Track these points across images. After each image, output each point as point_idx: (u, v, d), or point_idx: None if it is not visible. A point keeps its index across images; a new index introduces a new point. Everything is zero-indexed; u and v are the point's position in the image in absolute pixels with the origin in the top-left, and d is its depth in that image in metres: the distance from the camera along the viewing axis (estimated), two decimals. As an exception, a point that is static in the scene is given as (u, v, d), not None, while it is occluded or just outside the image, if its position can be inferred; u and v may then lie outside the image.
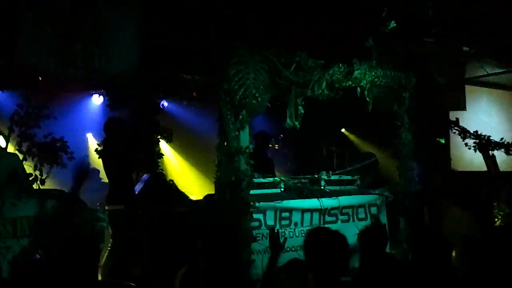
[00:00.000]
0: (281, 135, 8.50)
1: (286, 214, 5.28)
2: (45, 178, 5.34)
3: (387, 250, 5.63)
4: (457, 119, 6.97)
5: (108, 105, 6.67)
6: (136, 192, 5.74)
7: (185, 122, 9.06)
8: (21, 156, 5.14)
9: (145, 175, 6.17)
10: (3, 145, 5.11)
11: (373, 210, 5.84)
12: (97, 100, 8.20)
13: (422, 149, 6.22)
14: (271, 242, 3.42)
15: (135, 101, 6.61)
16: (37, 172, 5.39)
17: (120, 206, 5.24)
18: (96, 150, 5.94)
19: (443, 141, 8.51)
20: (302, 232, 5.31)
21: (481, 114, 8.92)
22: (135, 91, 6.46)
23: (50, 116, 5.44)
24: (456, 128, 6.84)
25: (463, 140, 6.82)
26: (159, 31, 7.19)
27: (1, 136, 5.09)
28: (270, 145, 7.97)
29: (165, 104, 8.43)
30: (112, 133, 5.58)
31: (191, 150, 9.50)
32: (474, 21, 7.45)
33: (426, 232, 2.83)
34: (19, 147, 5.33)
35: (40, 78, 5.04)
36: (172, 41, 7.27)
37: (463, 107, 8.06)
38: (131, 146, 5.72)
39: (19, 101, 5.34)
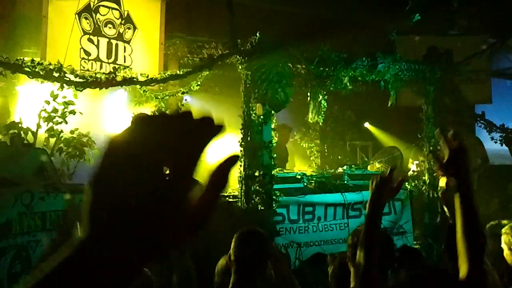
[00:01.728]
0: (304, 129, 8.47)
1: (309, 209, 5.29)
2: (72, 173, 5.45)
3: (411, 244, 5.64)
4: (483, 112, 6.87)
5: (133, 100, 6.74)
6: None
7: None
8: (48, 151, 5.24)
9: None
10: (31, 141, 5.22)
11: (397, 204, 5.80)
12: (122, 95, 8.27)
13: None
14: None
15: (158, 96, 6.67)
16: (65, 167, 5.50)
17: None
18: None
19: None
20: (326, 226, 5.31)
21: (508, 107, 8.78)
22: (158, 86, 6.52)
23: (76, 112, 5.52)
24: (481, 121, 6.74)
25: (489, 134, 6.73)
26: (181, 26, 7.25)
27: (29, 132, 5.19)
28: (291, 139, 7.97)
29: (188, 99, 8.47)
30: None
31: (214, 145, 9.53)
32: (500, 13, 7.32)
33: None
34: (46, 143, 5.43)
35: (66, 74, 5.13)
36: (195, 36, 7.32)
37: (489, 100, 7.95)
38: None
39: (46, 98, 5.43)
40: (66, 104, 5.42)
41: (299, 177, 5.45)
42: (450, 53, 6.01)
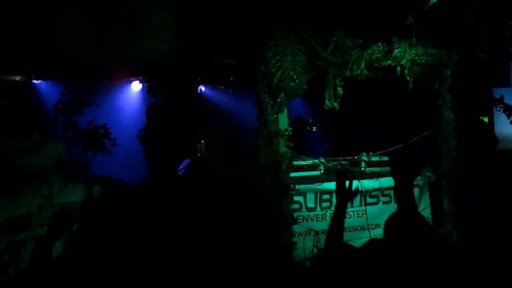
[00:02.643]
0: (319, 117, 8.44)
1: (326, 196, 5.26)
2: (90, 164, 5.51)
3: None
4: (502, 96, 6.77)
5: (147, 91, 6.76)
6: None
7: (223, 106, 9.10)
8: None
9: (186, 159, 6.25)
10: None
11: (416, 191, 5.75)
12: (136, 86, 8.31)
13: (465, 127, 6.07)
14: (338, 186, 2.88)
15: (173, 86, 6.68)
16: (82, 159, 5.57)
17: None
18: (137, 135, 6.05)
19: (486, 120, 8.29)
20: (343, 213, 5.28)
21: (527, 90, 8.62)
22: (173, 77, 6.53)
23: (92, 104, 5.57)
24: (500, 105, 6.65)
25: (508, 118, 6.64)
26: (195, 17, 7.23)
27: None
28: (309, 128, 7.94)
29: (203, 89, 8.49)
30: (154, 119, 5.67)
31: (229, 135, 9.54)
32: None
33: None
34: (64, 135, 5.49)
35: (82, 67, 5.16)
36: (209, 25, 7.30)
37: (507, 84, 7.81)
38: (171, 131, 5.81)
39: (62, 90, 5.47)
40: (82, 96, 5.46)
41: (316, 164, 5.43)
42: (467, 36, 5.91)
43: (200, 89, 8.13)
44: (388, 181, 5.58)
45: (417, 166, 2.44)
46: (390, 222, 2.55)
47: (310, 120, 8.52)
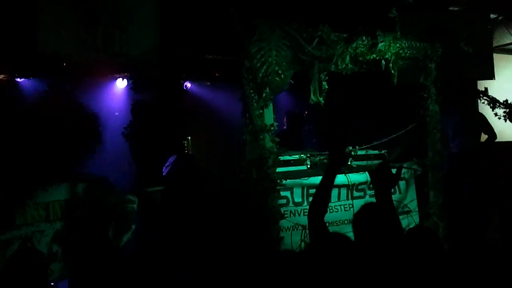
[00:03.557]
0: (306, 112, 8.42)
1: (313, 191, 5.20)
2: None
3: (416, 223, 5.63)
4: (486, 88, 6.81)
5: (132, 88, 6.71)
6: (164, 174, 5.79)
7: (209, 102, 9.06)
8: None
9: (171, 157, 6.22)
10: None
11: (402, 184, 5.78)
12: (121, 83, 8.23)
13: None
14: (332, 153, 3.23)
15: (158, 83, 6.63)
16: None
17: (150, 188, 5.31)
18: (122, 133, 6.00)
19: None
20: (330, 208, 5.28)
21: (511, 83, 8.69)
22: (157, 73, 6.48)
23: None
24: (485, 97, 6.69)
25: (492, 110, 6.68)
26: (178, 12, 7.17)
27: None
28: (307, 127, 7.94)
29: (188, 85, 8.44)
30: (139, 116, 5.63)
31: (216, 130, 9.51)
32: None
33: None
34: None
35: (64, 64, 5.09)
36: (192, 21, 7.24)
37: (491, 76, 7.86)
38: (157, 128, 5.76)
39: (45, 88, 5.40)
40: (65, 94, 5.40)
41: (302, 159, 5.42)
42: (451, 29, 5.93)
43: (186, 85, 8.08)
44: (374, 175, 5.59)
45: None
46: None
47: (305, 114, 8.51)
